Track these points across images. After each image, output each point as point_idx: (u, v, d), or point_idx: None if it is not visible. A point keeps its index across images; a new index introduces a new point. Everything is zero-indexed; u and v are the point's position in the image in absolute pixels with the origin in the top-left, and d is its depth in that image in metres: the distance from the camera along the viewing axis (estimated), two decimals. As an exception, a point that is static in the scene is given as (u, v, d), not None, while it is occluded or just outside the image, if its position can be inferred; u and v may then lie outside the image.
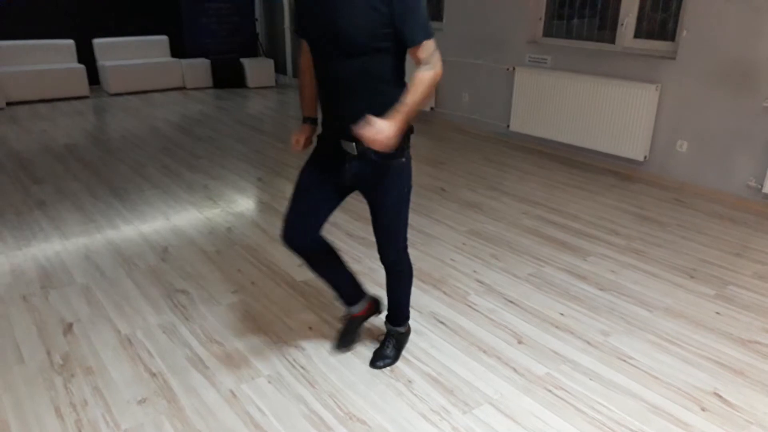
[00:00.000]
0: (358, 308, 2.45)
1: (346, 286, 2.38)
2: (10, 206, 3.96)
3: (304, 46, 2.11)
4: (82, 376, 2.29)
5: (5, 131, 5.92)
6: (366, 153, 2.00)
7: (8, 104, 7.11)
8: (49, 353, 2.43)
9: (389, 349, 2.40)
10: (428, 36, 1.86)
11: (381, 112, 1.91)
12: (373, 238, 3.52)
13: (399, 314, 2.39)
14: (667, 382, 2.29)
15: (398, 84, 1.96)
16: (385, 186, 2.07)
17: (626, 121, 4.62)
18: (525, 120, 5.40)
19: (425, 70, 1.86)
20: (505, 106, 5.66)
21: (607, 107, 4.72)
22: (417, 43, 1.85)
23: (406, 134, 2.01)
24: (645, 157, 4.60)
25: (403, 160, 2.05)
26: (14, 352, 2.44)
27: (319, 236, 2.19)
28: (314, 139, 2.22)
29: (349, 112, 1.95)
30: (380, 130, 1.78)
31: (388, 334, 2.43)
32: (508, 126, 5.61)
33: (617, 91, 4.62)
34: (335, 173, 2.10)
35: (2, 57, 7.22)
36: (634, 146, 4.61)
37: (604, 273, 3.13)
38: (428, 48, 1.86)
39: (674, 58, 4.34)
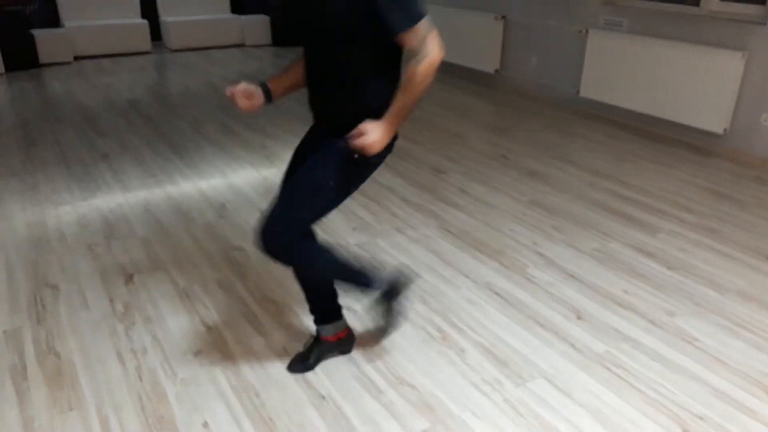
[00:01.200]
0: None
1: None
2: (77, 158, 4.09)
3: None
4: (142, 325, 2.35)
5: (73, 85, 6.10)
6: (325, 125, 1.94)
7: (75, 59, 7.32)
8: (111, 301, 2.51)
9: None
10: (415, 20, 1.65)
11: (367, 104, 1.80)
12: (430, 206, 3.45)
13: (318, 306, 2.15)
14: (734, 367, 2.16)
15: (389, 74, 1.81)
16: (314, 160, 1.88)
17: (707, 90, 4.32)
18: (596, 86, 5.15)
19: (417, 63, 1.66)
20: (575, 70, 5.40)
21: (686, 75, 4.43)
22: (403, 30, 1.65)
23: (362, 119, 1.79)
24: (725, 130, 4.31)
25: (344, 147, 1.80)
26: (80, 297, 2.53)
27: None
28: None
29: (334, 104, 1.86)
30: (372, 137, 1.70)
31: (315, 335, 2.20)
32: (578, 92, 5.36)
33: (699, 58, 4.33)
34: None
35: (71, 11, 7.40)
36: (713, 118, 4.32)
37: (673, 251, 2.97)
38: (418, 34, 1.66)
39: (764, 23, 4.00)
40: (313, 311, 2.15)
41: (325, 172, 1.84)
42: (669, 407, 1.97)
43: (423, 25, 1.67)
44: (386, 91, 1.79)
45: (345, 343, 2.19)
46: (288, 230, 1.83)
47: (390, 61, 1.81)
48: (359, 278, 2.01)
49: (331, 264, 1.95)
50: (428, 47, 1.67)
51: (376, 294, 2.08)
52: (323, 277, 2.04)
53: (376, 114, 1.77)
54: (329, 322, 2.14)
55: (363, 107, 1.81)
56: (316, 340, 2.17)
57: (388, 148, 1.88)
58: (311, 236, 1.92)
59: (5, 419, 1.89)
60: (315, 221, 1.89)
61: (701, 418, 1.93)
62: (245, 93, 2.01)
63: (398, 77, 1.81)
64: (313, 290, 2.11)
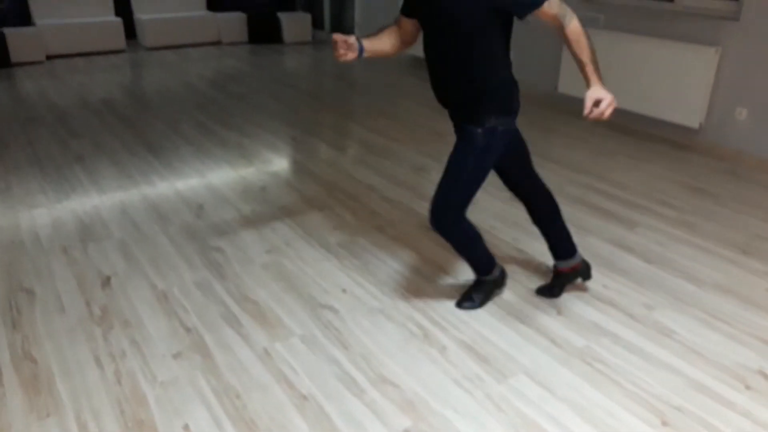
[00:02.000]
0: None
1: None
2: (50, 160, 4.01)
3: (401, 21, 2.25)
4: (120, 329, 2.32)
5: (45, 85, 5.98)
6: (454, 116, 2.26)
7: (48, 58, 7.17)
8: (88, 305, 2.46)
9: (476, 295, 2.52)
10: None
11: (489, 90, 2.08)
12: (410, 203, 3.45)
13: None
14: (712, 359, 2.20)
15: (505, 62, 2.10)
16: (456, 149, 2.20)
17: (682, 86, 4.38)
18: (575, 82, 5.18)
19: (570, 21, 1.93)
20: (553, 66, 5.43)
21: (662, 71, 4.49)
22: (537, 6, 1.93)
23: (497, 109, 2.14)
24: (700, 125, 4.38)
25: (481, 132, 2.14)
26: (56, 301, 2.48)
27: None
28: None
29: (459, 93, 2.13)
30: (604, 100, 1.90)
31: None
32: (556, 88, 5.40)
33: (674, 53, 4.38)
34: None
35: (42, 9, 7.25)
36: (689, 113, 4.38)
37: (651, 245, 3.01)
38: (554, 4, 1.93)
39: (737, 19, 4.07)
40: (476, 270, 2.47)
41: (467, 157, 2.15)
42: (648, 400, 1.99)
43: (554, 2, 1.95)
44: (503, 77, 2.12)
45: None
46: (449, 209, 2.20)
47: (504, 49, 2.09)
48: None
49: (474, 243, 2.34)
50: (566, 9, 1.95)
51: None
52: (466, 250, 2.37)
53: (497, 98, 2.11)
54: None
55: (484, 94, 2.10)
56: (479, 281, 2.48)
57: (511, 120, 2.19)
58: (465, 216, 2.27)
59: (-21, 428, 1.85)
60: (469, 200, 2.21)
61: (679, 410, 1.95)
62: (346, 44, 2.16)
63: (508, 62, 2.13)
64: (472, 256, 2.42)
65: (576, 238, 3.05)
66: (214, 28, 8.16)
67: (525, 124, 4.88)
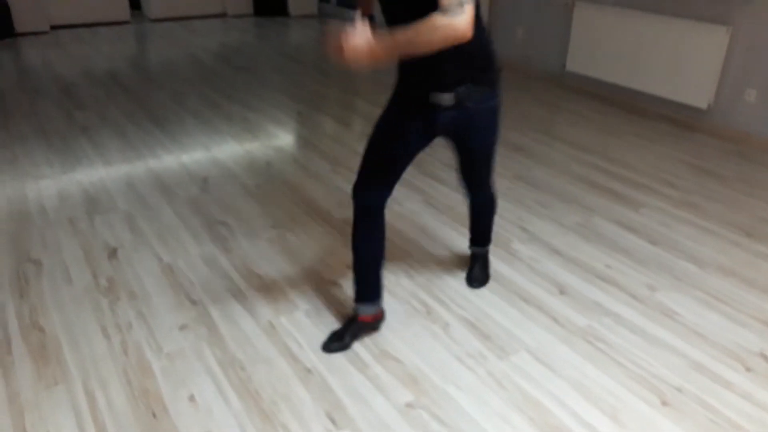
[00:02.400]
0: (368, 311, 2.16)
1: (376, 275, 2.15)
2: (56, 131, 4.01)
3: None
4: (126, 300, 2.34)
5: (50, 55, 5.95)
6: (462, 102, 1.90)
7: (52, 28, 7.12)
8: (95, 276, 2.49)
9: (482, 271, 2.54)
10: None
11: (465, 60, 1.83)
12: (414, 180, 3.45)
13: (487, 237, 2.51)
14: (713, 340, 2.21)
15: (480, 30, 1.79)
16: (483, 131, 2.03)
17: (691, 65, 4.33)
18: (583, 60, 5.13)
19: (440, 14, 1.56)
20: (561, 44, 5.37)
21: (671, 50, 4.43)
22: None
23: (496, 73, 1.94)
24: (708, 106, 4.34)
25: (496, 101, 1.99)
26: (63, 272, 2.50)
27: (389, 195, 2.07)
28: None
29: (430, 64, 1.84)
30: (356, 48, 1.59)
31: (476, 257, 2.56)
32: (564, 66, 5.34)
33: (684, 32, 4.32)
34: (425, 125, 1.97)
35: (47, -22, 7.17)
36: (697, 93, 4.34)
37: (655, 226, 3.01)
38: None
39: (749, -1, 4.01)
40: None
41: (495, 126, 2.05)
42: (649, 380, 2.01)
43: None
44: (483, 46, 1.86)
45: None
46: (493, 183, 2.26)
47: (477, 24, 1.77)
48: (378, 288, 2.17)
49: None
50: (458, 15, 1.56)
51: (361, 310, 2.15)
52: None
53: (481, 69, 1.88)
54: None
55: (467, 63, 1.85)
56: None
57: (497, 81, 1.96)
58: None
59: (-11, 395, 1.88)
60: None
61: (680, 390, 1.97)
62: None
63: (485, 33, 1.88)
64: None
65: (580, 218, 3.06)
66: (219, -1, 8.07)
67: (531, 102, 4.89)
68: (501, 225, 2.97)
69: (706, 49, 4.22)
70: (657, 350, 2.15)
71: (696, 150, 4.02)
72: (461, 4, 1.58)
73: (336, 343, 2.13)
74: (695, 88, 4.35)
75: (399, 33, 1.60)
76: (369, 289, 2.13)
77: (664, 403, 1.92)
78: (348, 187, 3.32)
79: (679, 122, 4.54)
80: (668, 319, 2.32)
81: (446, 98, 1.90)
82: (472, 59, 1.85)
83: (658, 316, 2.33)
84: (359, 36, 1.62)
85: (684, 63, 4.38)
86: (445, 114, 1.93)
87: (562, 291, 2.47)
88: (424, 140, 2.01)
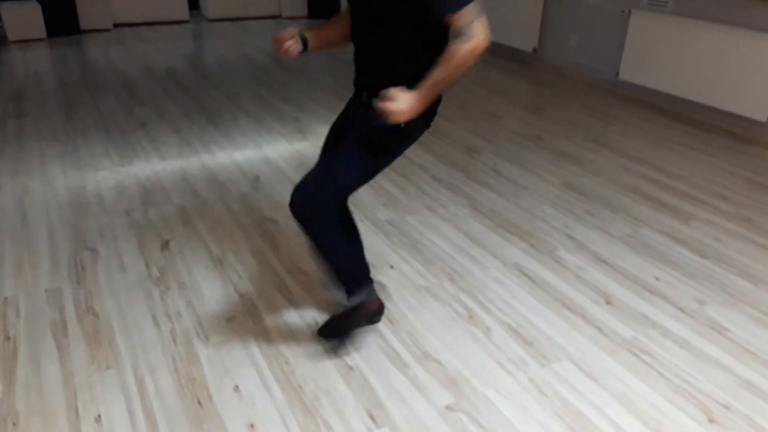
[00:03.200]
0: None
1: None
2: (115, 125, 4.17)
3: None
4: (176, 290, 2.43)
5: (112, 52, 6.19)
6: (371, 112, 1.85)
7: (115, 26, 7.41)
8: (147, 266, 2.58)
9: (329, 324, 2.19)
10: (464, 3, 1.64)
11: (408, 81, 1.76)
12: (461, 185, 3.45)
13: (336, 274, 2.06)
14: (764, 358, 2.14)
15: (431, 55, 1.77)
16: (356, 131, 1.93)
17: (750, 76, 4.19)
18: (637, 69, 5.02)
19: (461, 43, 1.64)
20: (616, 52, 5.27)
21: (730, 60, 4.30)
22: (450, 11, 1.65)
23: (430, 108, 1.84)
24: (767, 118, 4.19)
25: (402, 126, 1.82)
26: (117, 261, 2.61)
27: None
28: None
29: (375, 72, 1.88)
30: (400, 105, 1.66)
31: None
32: (617, 74, 5.24)
33: (744, 42, 4.18)
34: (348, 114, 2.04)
35: (111, -21, 7.47)
36: (756, 105, 4.20)
37: (707, 239, 2.93)
38: (467, 16, 1.64)
39: (817, 8, 3.85)
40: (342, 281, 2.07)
41: (362, 145, 1.89)
42: (695, 395, 1.97)
43: (472, 8, 1.65)
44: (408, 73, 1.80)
45: (377, 312, 2.18)
46: (320, 194, 1.87)
47: (437, 40, 1.79)
48: (347, 278, 2.05)
49: (337, 248, 1.98)
50: (474, 30, 1.64)
51: (346, 300, 2.08)
52: (326, 252, 1.99)
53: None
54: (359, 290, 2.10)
55: (405, 81, 1.79)
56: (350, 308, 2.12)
57: (426, 123, 1.90)
58: (337, 212, 1.96)
59: (47, 373, 1.98)
60: (347, 191, 1.95)
61: (727, 408, 1.92)
62: (283, 40, 2.03)
63: (420, 60, 1.81)
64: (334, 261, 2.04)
65: (629, 229, 3.01)
66: (274, 1, 8.24)
67: (582, 109, 4.81)
68: (547, 232, 2.94)
69: (767, 61, 4.07)
70: (705, 366, 2.10)
71: (752, 163, 3.89)
72: (470, 23, 1.64)
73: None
74: (754, 100, 4.20)
75: (431, 78, 1.67)
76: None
77: (711, 420, 1.87)
78: (394, 189, 3.35)
79: (736, 135, 4.39)
80: (717, 334, 2.26)
81: (364, 95, 1.95)
82: (412, 78, 1.77)
83: (706, 331, 2.27)
84: (401, 102, 1.67)
85: (743, 74, 4.23)
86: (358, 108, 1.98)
87: (608, 301, 2.44)
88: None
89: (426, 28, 1.78)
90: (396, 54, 1.84)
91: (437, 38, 1.80)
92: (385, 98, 1.68)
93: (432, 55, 1.78)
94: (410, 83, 1.75)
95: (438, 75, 1.69)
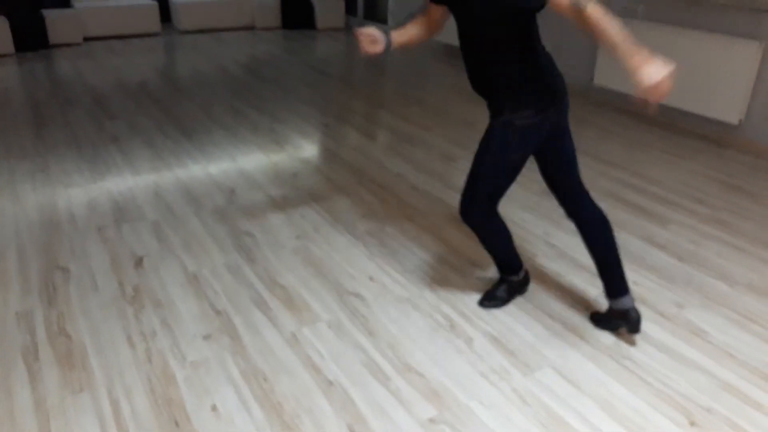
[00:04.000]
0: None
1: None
2: (87, 140, 4.09)
3: (429, 9, 2.22)
4: (151, 309, 2.37)
5: (82, 66, 6.10)
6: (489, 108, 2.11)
7: (85, 39, 7.30)
8: (121, 284, 2.52)
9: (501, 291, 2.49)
10: None
11: (506, 83, 2.01)
12: (439, 193, 3.44)
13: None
14: (743, 360, 2.16)
15: (527, 55, 2.00)
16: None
17: (722, 80, 4.27)
18: (611, 74, 5.09)
19: (585, 6, 1.76)
20: (590, 58, 5.34)
21: (702, 65, 4.38)
22: None
23: (520, 100, 2.05)
24: (739, 121, 4.26)
25: (503, 122, 2.09)
26: (90, 280, 2.54)
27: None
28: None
29: (482, 82, 2.06)
30: (654, 79, 1.67)
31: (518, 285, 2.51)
32: (592, 79, 5.31)
33: (715, 47, 4.26)
34: (528, 145, 2.11)
35: (81, -8, 7.37)
36: (728, 108, 4.27)
37: (684, 243, 2.96)
38: None
39: (782, 13, 3.94)
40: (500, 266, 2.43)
41: (484, 151, 2.12)
42: (676, 399, 1.97)
43: None
44: (523, 69, 2.00)
45: (525, 282, 2.49)
46: (474, 202, 2.17)
47: (526, 42, 1.98)
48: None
49: (501, 241, 2.31)
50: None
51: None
52: (492, 246, 2.32)
53: (514, 91, 2.02)
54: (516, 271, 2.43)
55: (501, 86, 2.03)
56: (503, 279, 2.45)
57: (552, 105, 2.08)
58: (495, 211, 2.23)
59: (18, 398, 1.91)
60: (496, 194, 2.18)
61: (708, 411, 1.93)
62: (371, 38, 2.15)
63: (533, 56, 2.01)
64: (497, 253, 2.37)
65: (607, 234, 3.02)
66: (248, 12, 8.20)
67: (557, 116, 4.84)
68: (527, 240, 2.95)
69: (738, 65, 4.15)
70: (685, 369, 2.11)
71: (726, 166, 3.95)
72: None
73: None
74: (726, 104, 4.28)
75: (617, 43, 1.74)
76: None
77: (693, 424, 1.87)
78: (372, 200, 3.33)
79: (709, 138, 4.47)
80: (697, 337, 2.27)
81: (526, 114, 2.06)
82: (529, 75, 2.02)
83: (686, 335, 2.29)
84: (662, 71, 1.69)
85: (715, 78, 4.31)
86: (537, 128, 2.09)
87: (588, 308, 2.44)
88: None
89: (529, 27, 1.97)
90: (498, 58, 1.99)
91: (535, 37, 2.03)
92: (645, 87, 1.69)
93: (536, 53, 2.01)
94: (525, 84, 2.00)
95: (616, 36, 1.74)
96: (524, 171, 2.25)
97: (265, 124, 4.53)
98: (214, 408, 1.90)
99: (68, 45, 7.02)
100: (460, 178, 3.62)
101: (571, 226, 3.09)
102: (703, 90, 4.40)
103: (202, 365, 2.08)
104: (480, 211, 2.19)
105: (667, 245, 2.93)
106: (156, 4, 7.59)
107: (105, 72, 5.89)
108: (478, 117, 4.79)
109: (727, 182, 3.69)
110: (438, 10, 2.21)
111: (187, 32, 7.92)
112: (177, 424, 1.83)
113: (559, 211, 3.23)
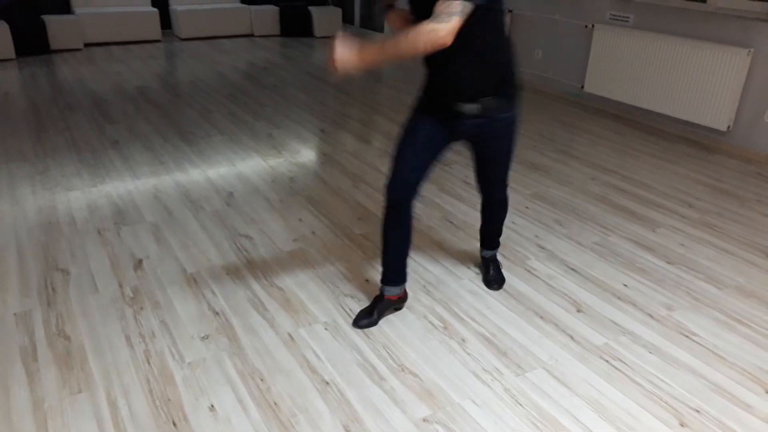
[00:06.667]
0: (395, 291, 2.38)
1: (401, 262, 2.35)
2: (87, 144, 4.13)
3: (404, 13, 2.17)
4: (150, 310, 2.41)
5: (83, 71, 6.14)
6: (485, 112, 2.08)
7: (86, 45, 7.35)
8: (120, 286, 2.56)
9: (497, 272, 2.65)
10: None
11: (489, 73, 2.00)
12: (433, 197, 3.48)
13: (497, 239, 2.63)
14: (732, 361, 2.20)
15: (503, 44, 2.00)
16: (503, 138, 2.21)
17: (711, 87, 4.33)
18: (601, 81, 5.16)
19: (427, 22, 1.71)
20: (580, 65, 5.41)
21: (691, 72, 4.44)
22: None
23: (516, 87, 2.10)
24: (728, 127, 4.33)
25: (513, 113, 2.15)
26: (89, 281, 2.58)
27: (417, 192, 2.23)
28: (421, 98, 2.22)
29: (457, 75, 2.02)
30: (343, 57, 1.80)
31: (487, 260, 2.67)
32: (582, 87, 5.38)
33: (704, 54, 4.33)
34: (449, 130, 2.15)
35: (81, -2, 7.43)
36: (717, 115, 4.34)
37: (673, 246, 3.01)
38: (445, 5, 1.70)
39: (771, 21, 4.01)
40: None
41: (514, 134, 2.23)
42: (666, 400, 2.01)
43: (456, 4, 1.70)
44: (508, 60, 2.03)
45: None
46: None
47: (502, 32, 1.98)
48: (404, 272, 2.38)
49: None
50: (442, 23, 1.70)
51: (387, 291, 2.37)
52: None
53: (503, 81, 2.04)
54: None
55: (491, 76, 2.02)
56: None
57: (517, 96, 2.14)
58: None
59: (16, 399, 1.94)
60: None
61: (698, 412, 1.96)
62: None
63: (511, 46, 2.04)
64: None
65: (597, 237, 3.07)
66: (247, 20, 8.27)
67: (549, 122, 4.91)
68: (518, 242, 2.99)
69: (727, 72, 4.21)
70: (675, 371, 2.15)
71: (715, 171, 4.00)
72: (450, 15, 1.73)
73: (365, 319, 2.35)
74: (715, 110, 4.34)
75: (384, 42, 1.77)
76: (395, 273, 2.35)
77: (683, 425, 1.91)
78: (368, 203, 3.37)
79: (699, 144, 4.53)
80: (686, 339, 2.32)
81: (471, 108, 2.06)
82: (496, 72, 2.01)
83: (675, 336, 2.33)
84: (346, 46, 1.81)
85: (704, 85, 4.38)
86: (468, 122, 2.11)
87: (579, 309, 2.48)
88: (445, 143, 2.19)
89: (500, 22, 1.96)
90: (478, 52, 1.96)
91: (502, 31, 1.99)
92: (335, 49, 1.80)
93: (508, 46, 2.02)
94: (498, 77, 2.02)
95: (391, 43, 1.77)
96: (514, 176, 2.30)
97: (263, 129, 4.57)
98: (211, 408, 1.93)
99: (69, 50, 7.07)
100: (454, 183, 3.67)
101: (561, 229, 3.13)
102: (692, 97, 4.47)
103: (200, 365, 2.11)
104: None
105: (657, 248, 2.98)
106: (156, 11, 7.66)
107: (105, 77, 5.93)
108: (474, 123, 4.83)
109: (716, 187, 3.74)
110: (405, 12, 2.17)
111: (187, 39, 7.98)
112: (175, 423, 1.86)
113: (550, 215, 3.28)
